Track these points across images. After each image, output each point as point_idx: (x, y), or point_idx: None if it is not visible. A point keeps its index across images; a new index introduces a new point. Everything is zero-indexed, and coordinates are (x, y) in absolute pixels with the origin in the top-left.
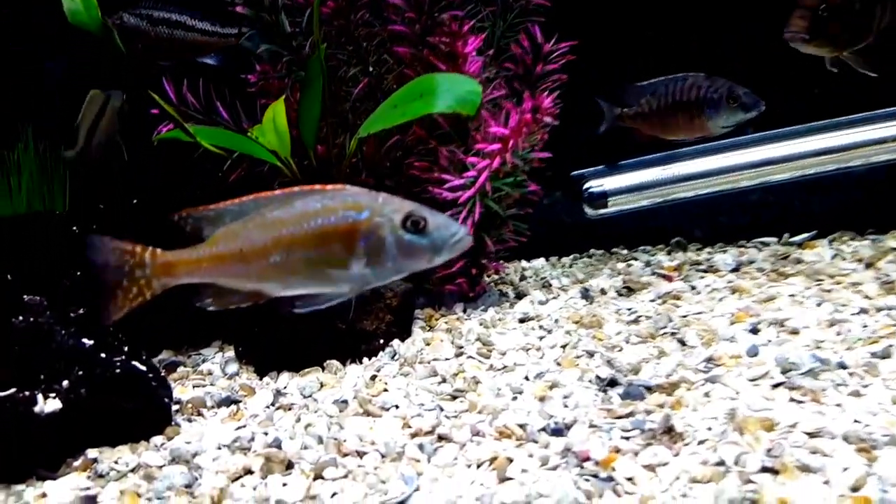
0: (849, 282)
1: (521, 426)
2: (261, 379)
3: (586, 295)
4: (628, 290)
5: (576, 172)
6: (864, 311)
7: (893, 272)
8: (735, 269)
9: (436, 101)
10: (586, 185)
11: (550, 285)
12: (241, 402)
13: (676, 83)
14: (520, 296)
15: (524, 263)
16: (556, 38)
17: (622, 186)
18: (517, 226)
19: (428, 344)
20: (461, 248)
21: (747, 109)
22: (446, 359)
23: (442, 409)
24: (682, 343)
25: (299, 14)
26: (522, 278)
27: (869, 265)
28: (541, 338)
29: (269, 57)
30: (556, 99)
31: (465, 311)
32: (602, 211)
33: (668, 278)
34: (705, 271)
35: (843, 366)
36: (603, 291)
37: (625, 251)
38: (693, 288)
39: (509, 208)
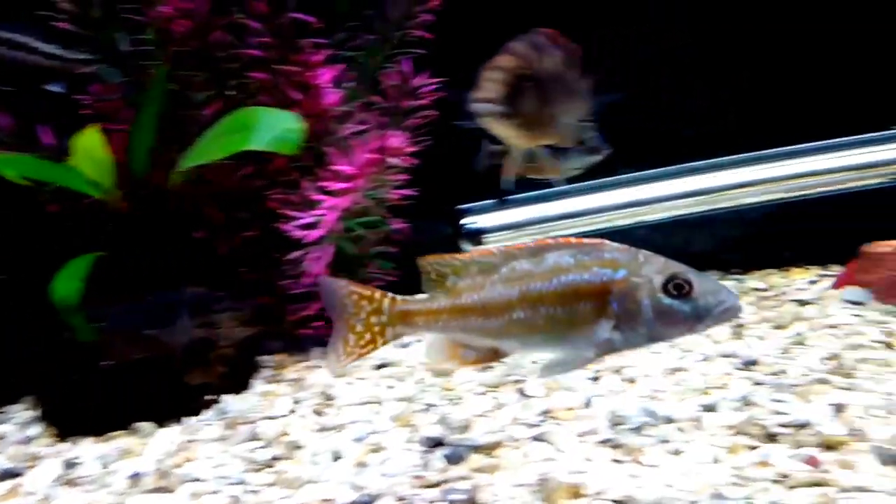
0: None
1: (326, 502)
2: (59, 444)
3: None
4: None
5: (462, 206)
6: (707, 357)
7: (747, 314)
8: None
9: (252, 138)
10: (462, 222)
11: None
12: (22, 474)
13: None
14: None
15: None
16: (429, 72)
17: (499, 224)
18: (384, 265)
19: (265, 398)
20: (729, 317)
21: (594, 153)
22: (276, 417)
23: (245, 483)
24: (523, 394)
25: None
26: None
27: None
28: (390, 387)
29: (107, 78)
30: (422, 135)
31: (323, 356)
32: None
33: None
34: None
35: (670, 420)
36: None
37: None
38: None
39: (379, 244)
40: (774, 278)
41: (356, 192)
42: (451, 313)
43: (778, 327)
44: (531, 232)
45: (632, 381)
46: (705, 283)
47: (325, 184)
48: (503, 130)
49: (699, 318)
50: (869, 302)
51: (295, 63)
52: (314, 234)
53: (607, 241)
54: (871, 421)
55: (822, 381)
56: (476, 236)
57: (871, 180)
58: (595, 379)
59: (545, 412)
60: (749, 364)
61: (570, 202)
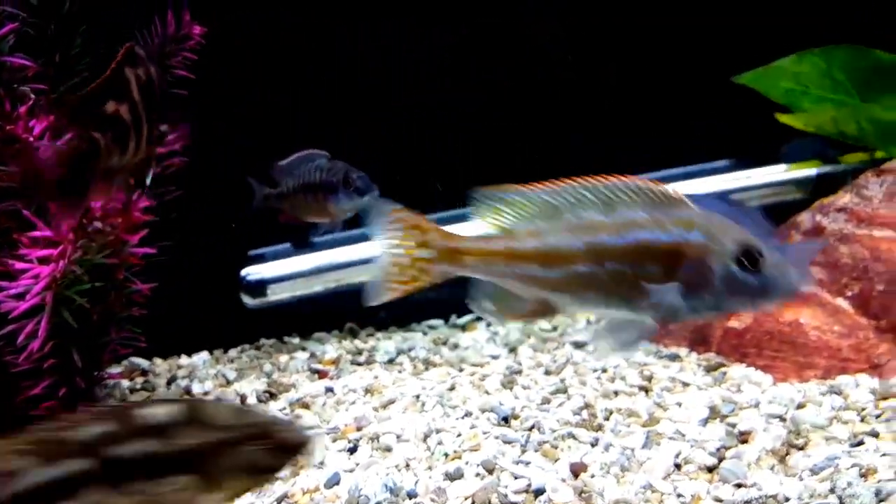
0: (481, 373)
1: None
2: None
3: None
4: (270, 396)
5: (254, 252)
6: (468, 414)
7: (525, 359)
8: (390, 360)
9: None
10: (243, 273)
11: (192, 392)
12: None
13: (306, 164)
14: None
15: (183, 360)
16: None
17: (286, 273)
18: (134, 329)
19: None
20: (792, 297)
21: (361, 194)
22: None
23: None
24: None
25: None
26: (170, 381)
27: (512, 350)
28: None
29: None
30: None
31: None
32: (263, 300)
33: (324, 374)
34: (361, 364)
35: (412, 494)
36: (244, 399)
37: (297, 339)
38: (329, 390)
39: (121, 308)
40: (561, 318)
41: (65, 260)
42: (508, 258)
43: (548, 373)
44: (326, 279)
45: (388, 449)
46: (776, 259)
47: (26, 251)
48: None
49: (765, 294)
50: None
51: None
52: (21, 305)
53: (683, 195)
54: (605, 480)
55: (571, 437)
56: (258, 288)
57: None
58: (353, 450)
59: (282, 498)
60: (505, 419)
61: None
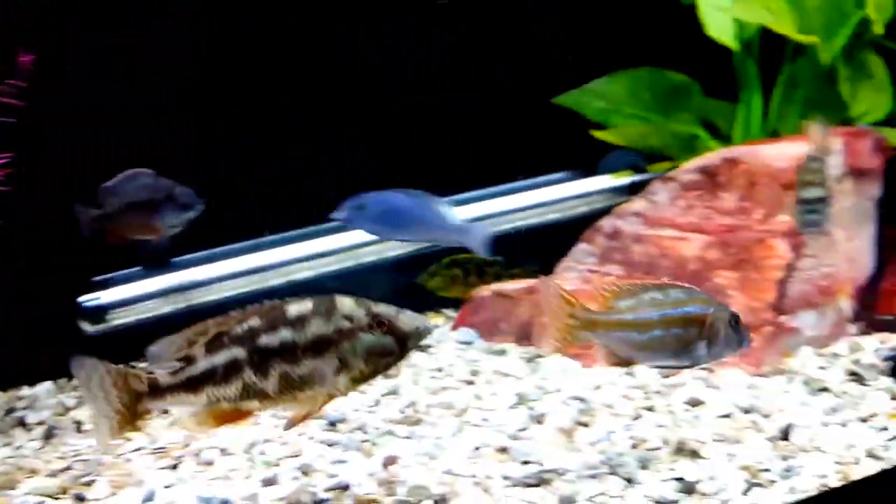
0: None
1: None
2: None
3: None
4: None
5: (99, 278)
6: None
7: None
8: None
9: None
10: (80, 300)
11: (26, 422)
12: None
13: (130, 183)
14: None
15: (24, 391)
16: None
17: (128, 297)
18: None
19: None
20: (740, 348)
21: (187, 210)
22: None
23: None
24: (81, 499)
25: None
26: (8, 412)
27: None
28: None
29: None
30: None
31: None
32: (103, 326)
33: None
34: None
35: (226, 503)
36: (79, 425)
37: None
38: (165, 411)
39: None
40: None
41: None
42: (613, 326)
43: (388, 376)
44: (176, 300)
45: (210, 463)
46: (743, 322)
47: None
48: None
49: (740, 344)
50: (476, 341)
51: None
52: None
53: (694, 287)
54: (412, 470)
55: (390, 433)
56: (97, 314)
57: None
58: (175, 466)
59: None
60: (333, 424)
61: (206, 269)
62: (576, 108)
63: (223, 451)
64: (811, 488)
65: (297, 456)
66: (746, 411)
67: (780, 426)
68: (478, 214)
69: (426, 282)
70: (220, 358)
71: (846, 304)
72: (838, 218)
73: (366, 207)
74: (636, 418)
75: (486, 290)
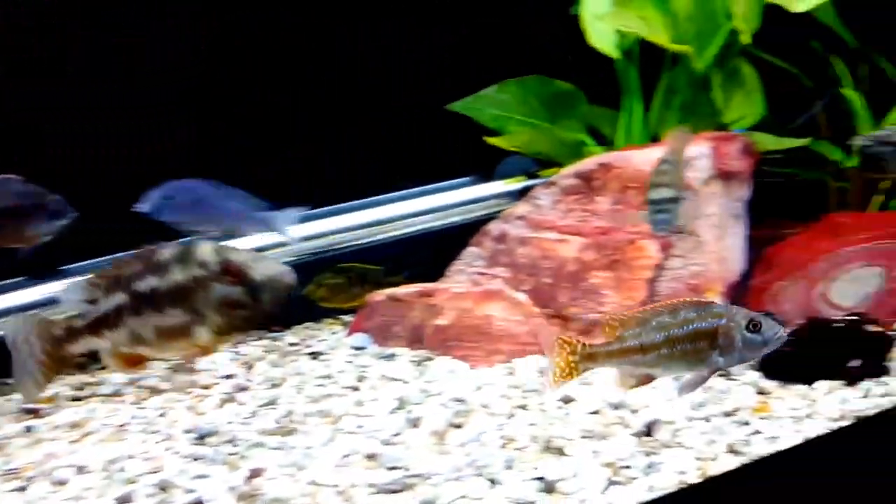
0: (204, 395)
1: None
2: None
3: None
4: None
5: None
6: (169, 437)
7: (257, 375)
8: (115, 393)
9: None
10: None
11: None
12: None
13: None
14: None
15: None
16: None
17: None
18: None
19: None
20: (781, 342)
21: (57, 218)
22: None
23: None
24: None
25: None
26: None
27: (251, 367)
28: None
29: None
30: None
31: None
32: None
33: (37, 413)
34: (81, 398)
35: None
36: None
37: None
38: (28, 430)
39: None
40: (309, 331)
41: None
42: (621, 353)
43: (274, 386)
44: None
45: (63, 483)
46: (768, 322)
47: None
48: None
49: (766, 344)
50: (369, 346)
51: None
52: None
53: (715, 300)
54: (278, 482)
55: (260, 445)
56: None
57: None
58: (23, 488)
59: None
60: (202, 437)
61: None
62: (470, 114)
63: (80, 470)
64: (670, 485)
65: (157, 472)
66: (616, 407)
67: (646, 422)
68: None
69: (312, 293)
70: (110, 303)
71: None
72: (708, 219)
73: (171, 198)
74: (510, 417)
75: (379, 295)
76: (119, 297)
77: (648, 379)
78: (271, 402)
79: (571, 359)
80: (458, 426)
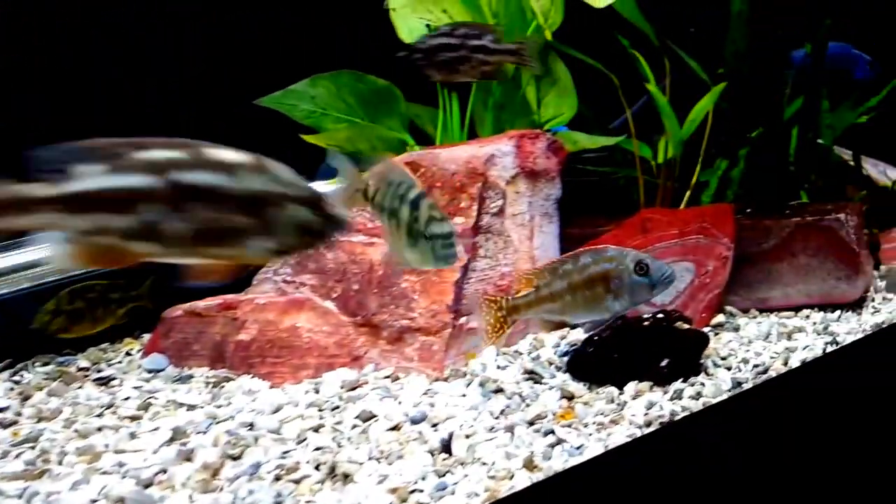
0: None
1: None
2: None
3: None
4: None
5: None
6: None
7: (29, 407)
8: None
9: None
10: None
11: None
12: None
13: None
14: None
15: None
16: None
17: None
18: None
19: None
20: (670, 283)
21: None
22: None
23: None
24: None
25: None
26: None
27: (26, 398)
28: None
29: None
30: None
31: None
32: None
33: None
34: None
35: None
36: None
37: None
38: None
39: None
40: (105, 354)
41: None
42: (538, 302)
43: (41, 419)
44: None
45: None
46: (656, 264)
47: None
48: None
49: (654, 287)
50: (167, 368)
51: None
52: None
53: (610, 245)
54: None
55: None
56: None
57: None
58: None
59: None
60: None
61: None
62: (282, 110)
63: None
64: None
65: None
66: (415, 422)
67: (443, 437)
68: None
69: (44, 324)
70: (123, 181)
71: None
72: (515, 218)
73: None
74: (300, 442)
75: (177, 310)
76: (143, 179)
77: (560, 325)
78: (32, 440)
79: (499, 314)
80: (237, 458)
